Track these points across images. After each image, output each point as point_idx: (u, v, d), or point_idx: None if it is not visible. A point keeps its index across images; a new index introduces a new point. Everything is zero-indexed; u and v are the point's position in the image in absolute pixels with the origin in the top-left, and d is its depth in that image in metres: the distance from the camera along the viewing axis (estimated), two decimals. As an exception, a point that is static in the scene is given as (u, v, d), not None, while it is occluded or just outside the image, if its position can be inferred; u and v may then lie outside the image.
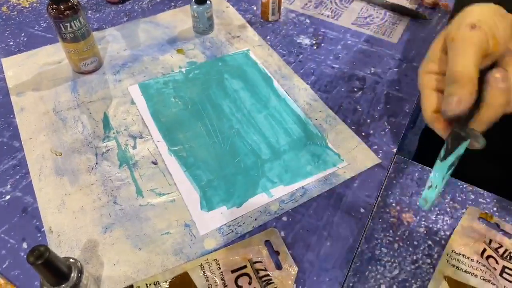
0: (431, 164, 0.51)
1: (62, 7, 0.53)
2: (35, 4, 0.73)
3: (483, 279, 0.39)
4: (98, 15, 0.71)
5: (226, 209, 0.45)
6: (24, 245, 0.42)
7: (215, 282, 0.39)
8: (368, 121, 0.55)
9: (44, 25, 0.69)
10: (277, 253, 0.41)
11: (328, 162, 0.49)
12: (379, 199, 0.47)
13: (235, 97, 0.57)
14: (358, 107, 0.57)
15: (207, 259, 0.40)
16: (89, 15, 0.71)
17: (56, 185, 0.47)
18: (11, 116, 0.55)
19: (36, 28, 0.68)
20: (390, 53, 0.65)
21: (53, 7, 0.53)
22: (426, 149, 0.82)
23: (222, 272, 0.39)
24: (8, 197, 0.46)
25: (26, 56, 0.63)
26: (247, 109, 0.56)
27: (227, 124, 0.54)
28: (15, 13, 0.71)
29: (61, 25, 0.54)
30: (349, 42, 0.67)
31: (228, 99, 0.57)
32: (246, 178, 0.48)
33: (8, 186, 0.47)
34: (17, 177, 0.48)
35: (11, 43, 0.65)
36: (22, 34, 0.67)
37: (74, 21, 0.54)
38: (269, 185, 0.47)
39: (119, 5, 0.73)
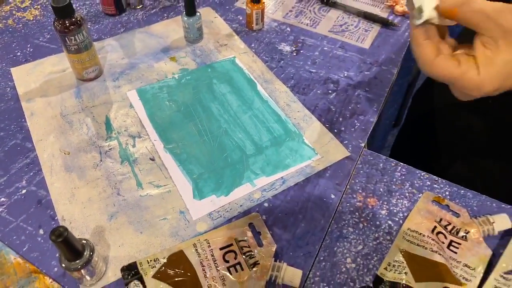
0: (406, 159, 0.58)
1: (67, 22, 0.59)
2: (38, 17, 0.80)
3: (432, 251, 0.46)
4: (97, 26, 0.78)
5: (216, 198, 0.52)
6: (41, 232, 0.49)
7: (206, 258, 0.45)
8: (340, 119, 0.62)
9: (48, 36, 0.75)
10: (259, 233, 0.48)
11: (304, 156, 0.57)
12: (347, 186, 0.54)
13: (223, 100, 0.64)
14: (331, 107, 0.64)
15: (199, 239, 0.47)
16: (89, 26, 0.78)
17: (66, 180, 0.54)
18: (23, 120, 0.61)
19: (40, 39, 0.75)
20: (362, 58, 0.72)
21: (59, 22, 0.59)
22: (402, 144, 0.90)
23: (212, 249, 0.46)
24: (24, 191, 0.53)
25: (33, 66, 0.69)
26: (233, 111, 0.63)
27: (216, 124, 0.61)
28: (21, 25, 0.78)
29: (66, 38, 0.60)
30: (325, 48, 0.74)
31: (217, 101, 0.64)
32: (233, 171, 0.55)
33: (24, 182, 0.54)
34: (31, 173, 0.55)
35: (19, 53, 0.72)
36: (28, 45, 0.73)
37: (78, 35, 0.60)
38: (253, 176, 0.54)
39: (116, 17, 0.80)
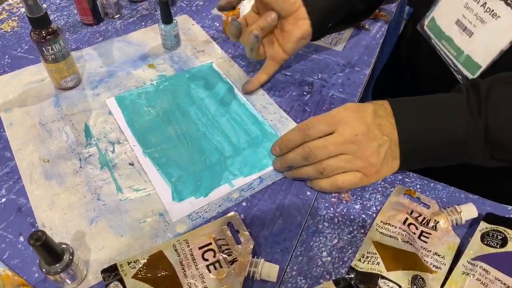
0: None
1: (43, 32, 0.60)
2: (16, 28, 0.80)
3: (403, 241, 0.48)
4: (75, 36, 0.79)
5: (195, 199, 0.53)
6: (21, 239, 0.49)
7: (185, 257, 0.47)
8: (316, 119, 0.64)
9: (26, 47, 0.76)
10: (238, 231, 0.50)
11: None
12: (323, 183, 0.56)
13: (201, 104, 0.66)
14: (306, 108, 0.66)
15: (178, 240, 0.48)
16: (67, 36, 0.79)
17: (45, 187, 0.54)
18: (1, 130, 0.61)
19: (18, 50, 0.75)
20: (335, 60, 0.75)
21: (36, 33, 0.60)
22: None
23: (191, 249, 0.47)
24: (4, 199, 0.53)
25: (11, 76, 0.70)
26: (211, 114, 0.64)
27: (194, 128, 0.62)
28: (-2, 37, 0.78)
29: (43, 48, 0.61)
30: (300, 52, 0.76)
31: (195, 106, 0.65)
32: (211, 173, 0.56)
33: (3, 191, 0.54)
34: (11, 182, 0.55)
35: (-4, 65, 0.72)
36: (6, 57, 0.74)
37: (55, 44, 0.61)
38: (231, 177, 0.56)
39: (94, 26, 0.81)
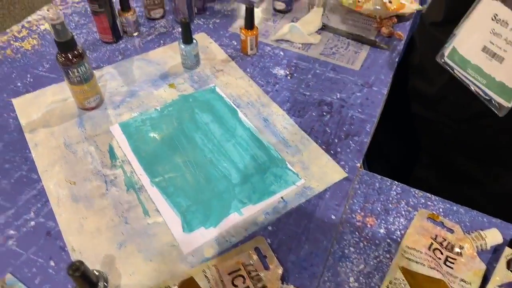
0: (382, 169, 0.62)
1: (69, 55, 0.61)
2: (36, 47, 0.81)
3: (430, 267, 0.49)
4: (95, 54, 0.80)
5: (205, 229, 0.53)
6: (52, 263, 0.50)
7: (216, 283, 0.47)
8: (336, 140, 0.65)
9: (47, 66, 0.77)
10: (265, 256, 0.50)
11: (288, 181, 0.58)
12: (346, 207, 0.56)
13: (206, 129, 0.65)
14: (327, 129, 0.67)
15: (208, 265, 0.49)
16: (87, 54, 0.79)
17: (73, 210, 0.55)
18: (27, 151, 0.62)
19: (40, 69, 0.76)
20: (353, 79, 0.75)
21: (62, 55, 0.61)
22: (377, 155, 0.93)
23: (220, 274, 0.48)
24: (32, 223, 0.54)
25: (34, 96, 0.71)
26: (217, 139, 0.64)
27: (201, 154, 0.62)
28: (19, 55, 0.79)
29: (69, 70, 0.62)
30: (317, 71, 0.77)
31: (200, 131, 0.65)
32: (220, 201, 0.56)
33: (32, 214, 0.55)
34: (39, 205, 0.56)
35: (19, 84, 0.73)
36: (28, 76, 0.75)
37: (80, 67, 0.62)
38: (240, 205, 0.56)
39: (114, 44, 0.82)
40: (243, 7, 0.94)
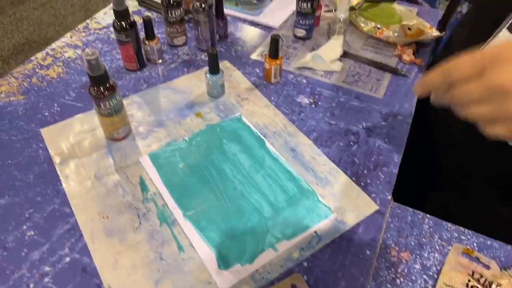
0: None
1: (102, 88, 0.61)
2: (62, 75, 0.82)
3: (469, 306, 0.49)
4: (120, 82, 0.80)
5: (241, 266, 0.53)
6: (89, 301, 0.50)
7: (256, 323, 0.47)
8: (365, 171, 0.65)
9: (74, 94, 0.77)
10: (303, 294, 0.50)
11: (321, 215, 0.58)
12: (380, 241, 0.56)
13: (235, 160, 0.66)
14: (355, 159, 0.67)
15: (246, 304, 0.49)
16: (112, 83, 0.80)
17: (107, 245, 0.55)
18: (58, 183, 0.62)
19: (66, 98, 0.77)
20: (377, 108, 0.76)
21: (94, 89, 0.62)
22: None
23: (260, 314, 0.48)
24: (68, 259, 0.54)
25: (62, 126, 0.71)
26: (246, 171, 0.64)
27: (231, 186, 0.62)
28: (45, 83, 0.80)
29: (100, 103, 0.62)
30: (341, 99, 0.78)
31: (229, 162, 0.65)
32: (254, 236, 0.56)
33: (66, 249, 0.55)
34: (73, 240, 0.56)
35: (46, 113, 0.74)
36: (55, 105, 0.75)
37: (112, 100, 0.62)
38: (274, 241, 0.55)
39: (138, 72, 0.83)
40: (263, 34, 0.95)
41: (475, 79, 0.40)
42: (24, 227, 0.57)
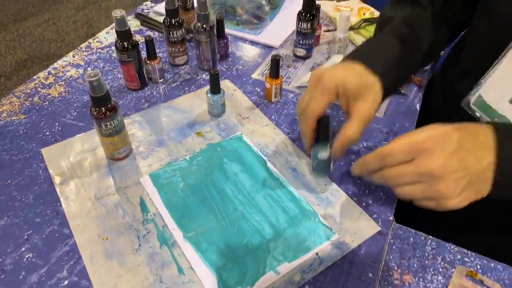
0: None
1: (103, 109, 0.62)
2: (63, 94, 0.82)
3: (475, 331, 0.48)
4: (121, 102, 0.81)
5: None
6: (87, 326, 0.49)
7: None
8: (367, 192, 0.65)
9: (75, 114, 0.78)
10: (305, 319, 0.49)
11: (322, 236, 0.58)
12: (382, 263, 0.56)
13: (235, 179, 0.65)
14: (356, 179, 0.67)
15: (247, 329, 0.48)
16: (113, 102, 0.81)
17: (107, 268, 0.54)
18: (58, 204, 0.62)
19: (67, 117, 0.77)
20: (378, 127, 0.76)
21: (96, 109, 0.62)
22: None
23: None
24: (66, 282, 0.53)
25: (63, 146, 0.71)
26: (247, 191, 0.64)
27: (232, 207, 0.61)
28: (47, 103, 0.80)
29: (101, 123, 0.62)
30: (342, 118, 0.78)
31: (230, 182, 0.65)
32: (255, 258, 0.55)
33: (65, 272, 0.54)
34: (71, 262, 0.55)
35: (47, 133, 0.74)
36: (56, 124, 0.75)
37: (113, 120, 0.63)
38: (275, 263, 0.55)
39: (139, 92, 0.83)
40: (264, 54, 0.96)
41: (407, 164, 0.47)
42: (23, 249, 0.56)
